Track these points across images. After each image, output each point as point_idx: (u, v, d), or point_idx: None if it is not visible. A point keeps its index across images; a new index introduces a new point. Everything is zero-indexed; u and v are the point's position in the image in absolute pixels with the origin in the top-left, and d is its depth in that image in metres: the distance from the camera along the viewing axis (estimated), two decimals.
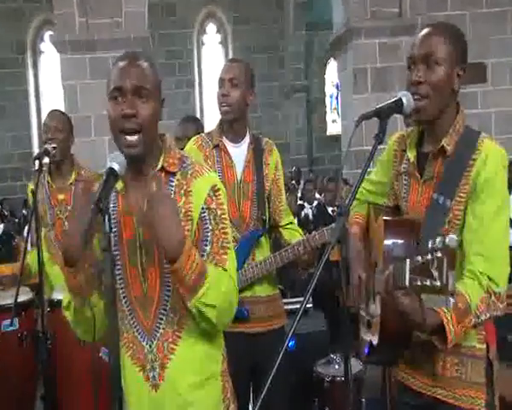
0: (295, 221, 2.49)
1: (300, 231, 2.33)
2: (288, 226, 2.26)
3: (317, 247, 2.07)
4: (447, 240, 1.07)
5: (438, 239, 1.09)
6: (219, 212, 1.35)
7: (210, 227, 1.34)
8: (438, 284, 1.08)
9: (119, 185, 1.35)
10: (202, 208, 1.33)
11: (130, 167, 1.29)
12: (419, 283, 1.12)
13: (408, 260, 1.16)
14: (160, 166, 1.35)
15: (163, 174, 1.35)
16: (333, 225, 2.08)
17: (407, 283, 1.15)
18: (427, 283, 1.10)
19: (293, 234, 2.23)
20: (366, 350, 1.53)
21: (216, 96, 2.12)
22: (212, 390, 1.39)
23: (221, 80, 2.10)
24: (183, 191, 1.34)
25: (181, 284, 1.24)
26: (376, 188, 1.64)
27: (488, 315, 1.34)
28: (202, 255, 1.33)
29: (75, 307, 1.30)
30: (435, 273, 1.08)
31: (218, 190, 1.36)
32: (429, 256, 1.10)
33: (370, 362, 1.71)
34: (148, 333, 1.34)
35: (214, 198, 1.35)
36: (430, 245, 1.11)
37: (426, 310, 1.27)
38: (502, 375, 1.48)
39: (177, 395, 1.34)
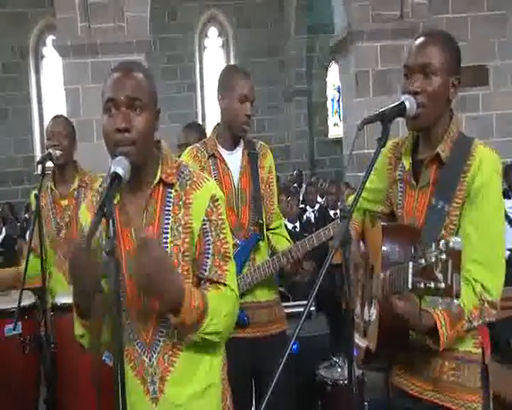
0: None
1: (287, 236, 2.32)
2: (276, 231, 2.26)
3: (312, 248, 2.06)
4: (451, 243, 1.08)
5: (442, 242, 1.09)
6: (219, 222, 1.35)
7: (211, 239, 1.34)
8: (442, 286, 1.08)
9: (117, 198, 1.34)
10: (203, 220, 1.33)
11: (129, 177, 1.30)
12: (422, 285, 1.12)
13: (411, 263, 1.16)
14: (158, 178, 1.33)
15: (161, 186, 1.34)
16: (330, 225, 2.08)
17: (410, 286, 1.15)
18: (431, 285, 1.10)
19: (279, 240, 2.24)
20: (355, 352, 1.54)
21: (230, 107, 2.06)
22: (211, 399, 1.38)
23: (245, 97, 2.05)
24: (181, 203, 1.33)
25: (183, 329, 1.26)
26: (372, 195, 1.64)
27: (481, 321, 1.36)
28: (204, 269, 1.33)
29: (90, 339, 1.35)
30: (439, 276, 1.08)
31: (217, 199, 1.36)
32: (433, 259, 1.10)
33: (367, 368, 1.72)
34: (148, 347, 1.34)
35: (214, 209, 1.34)
36: (434, 248, 1.11)
37: (421, 312, 1.28)
38: (503, 376, 1.48)
39: (176, 406, 1.33)
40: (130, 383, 1.35)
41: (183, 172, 1.37)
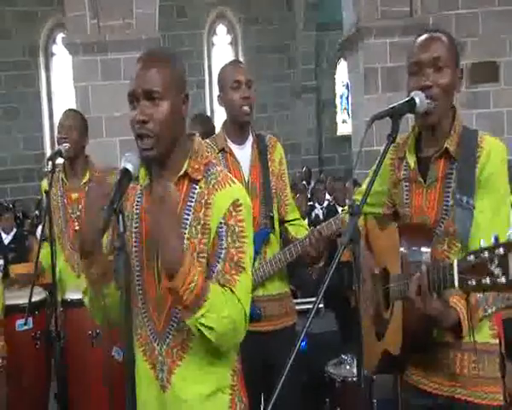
0: (306, 222, 2.49)
1: (306, 226, 2.32)
2: (294, 222, 2.26)
3: (323, 239, 2.05)
4: (510, 236, 1.06)
5: (493, 236, 1.08)
6: (237, 229, 1.29)
7: (225, 245, 1.29)
8: (502, 280, 1.05)
9: (145, 181, 1.35)
10: (220, 223, 1.29)
11: (153, 168, 1.30)
12: (474, 282, 1.10)
13: (456, 261, 1.15)
14: (183, 171, 1.32)
15: (186, 181, 1.33)
16: (340, 215, 2.08)
17: (457, 284, 1.15)
18: (487, 281, 1.07)
19: (299, 229, 2.23)
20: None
21: (227, 99, 2.09)
22: (218, 403, 1.36)
23: (237, 82, 2.08)
24: (203, 201, 1.31)
25: (177, 302, 1.23)
26: (373, 199, 1.62)
27: (494, 308, 1.36)
28: (213, 271, 1.29)
29: (91, 295, 1.34)
30: (497, 271, 1.06)
31: (240, 205, 1.30)
32: (486, 254, 1.08)
33: (381, 372, 1.71)
34: (160, 336, 1.34)
35: (234, 214, 1.29)
36: (483, 244, 1.09)
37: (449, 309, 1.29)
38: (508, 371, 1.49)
39: (182, 402, 1.33)
40: (141, 366, 1.36)
41: (210, 170, 1.34)
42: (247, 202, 1.33)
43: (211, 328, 1.23)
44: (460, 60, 1.49)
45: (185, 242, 1.29)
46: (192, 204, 1.31)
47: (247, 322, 1.30)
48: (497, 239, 1.07)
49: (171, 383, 1.33)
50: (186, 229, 1.30)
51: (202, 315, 1.21)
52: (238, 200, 1.30)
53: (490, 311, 1.35)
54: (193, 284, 1.18)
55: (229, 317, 1.25)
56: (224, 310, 1.24)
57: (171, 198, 1.16)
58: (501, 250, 1.06)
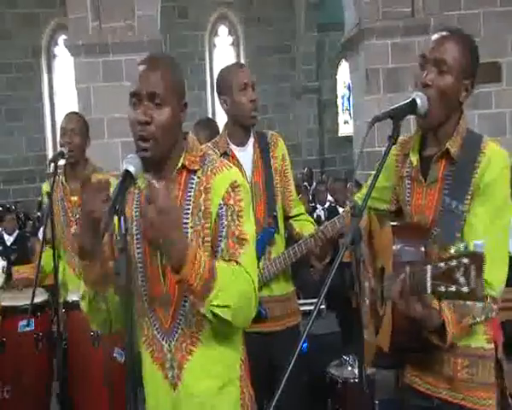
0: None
1: (312, 220, 2.31)
2: (298, 218, 2.25)
3: (327, 238, 2.04)
4: (473, 247, 1.07)
5: (462, 245, 1.09)
6: (237, 208, 1.32)
7: (225, 223, 1.32)
8: (465, 289, 1.07)
9: (143, 184, 1.36)
10: (220, 204, 1.32)
11: (150, 168, 1.30)
12: (443, 289, 1.11)
13: (429, 267, 1.15)
14: (180, 164, 1.34)
15: (184, 172, 1.35)
16: (343, 214, 2.07)
17: (429, 289, 1.15)
18: (453, 289, 1.09)
19: (304, 225, 2.22)
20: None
21: (234, 102, 2.08)
22: (229, 396, 1.38)
23: (244, 85, 2.07)
24: (202, 188, 1.34)
25: (189, 292, 1.24)
26: (378, 193, 1.62)
27: (483, 317, 1.35)
28: (217, 251, 1.32)
29: (89, 298, 1.33)
30: (461, 279, 1.07)
31: (238, 186, 1.34)
32: (454, 262, 1.09)
33: (378, 366, 1.71)
34: (167, 333, 1.35)
35: (233, 194, 1.32)
36: (453, 251, 1.10)
37: (432, 311, 1.29)
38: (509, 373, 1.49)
39: (193, 396, 1.34)
40: (149, 369, 1.37)
41: (206, 159, 1.37)
42: (244, 183, 1.37)
43: (226, 306, 1.23)
44: (475, 71, 1.43)
45: (189, 231, 1.31)
46: (191, 193, 1.34)
47: (256, 292, 1.31)
48: (466, 248, 1.08)
49: (182, 380, 1.34)
50: (188, 218, 1.32)
51: (215, 297, 1.22)
52: (236, 181, 1.34)
53: (478, 319, 1.35)
54: (201, 270, 1.19)
55: (241, 289, 1.27)
56: (235, 283, 1.25)
57: (159, 196, 1.14)
58: (465, 260, 1.07)
